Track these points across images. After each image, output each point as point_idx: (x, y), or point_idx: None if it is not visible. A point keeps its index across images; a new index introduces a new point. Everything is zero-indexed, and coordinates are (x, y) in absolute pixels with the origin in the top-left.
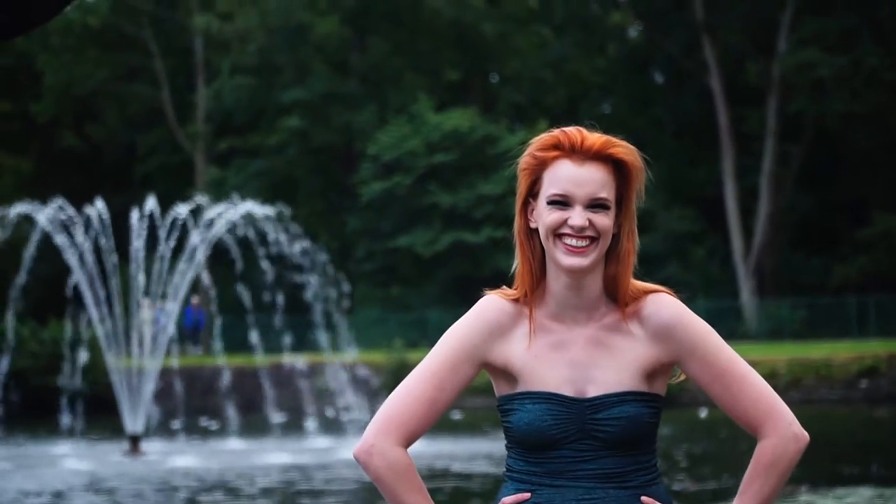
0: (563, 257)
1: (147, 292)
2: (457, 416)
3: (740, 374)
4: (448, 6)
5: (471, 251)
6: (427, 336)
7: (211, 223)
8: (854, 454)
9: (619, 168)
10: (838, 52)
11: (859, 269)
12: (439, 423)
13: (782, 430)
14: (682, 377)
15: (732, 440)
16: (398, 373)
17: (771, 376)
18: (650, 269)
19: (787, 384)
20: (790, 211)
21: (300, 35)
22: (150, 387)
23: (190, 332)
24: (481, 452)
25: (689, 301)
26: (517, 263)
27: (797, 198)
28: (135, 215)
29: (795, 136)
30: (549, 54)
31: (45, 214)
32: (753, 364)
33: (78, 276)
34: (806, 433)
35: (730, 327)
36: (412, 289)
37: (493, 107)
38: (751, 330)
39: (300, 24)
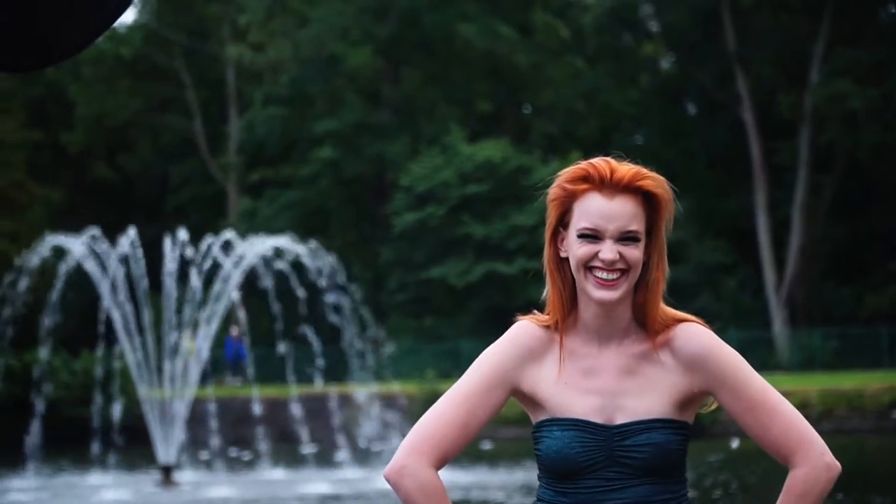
0: (593, 290)
1: (179, 324)
2: (487, 445)
3: (772, 404)
4: (481, 37)
5: (504, 282)
6: (460, 367)
7: (241, 257)
8: (886, 485)
9: (648, 199)
10: (870, 83)
11: (891, 299)
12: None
13: (814, 459)
14: (715, 406)
15: (765, 472)
16: (430, 403)
17: (803, 406)
18: (682, 299)
19: (818, 414)
20: (822, 242)
21: (333, 66)
22: (182, 417)
23: (231, 363)
24: (515, 484)
25: (720, 332)
26: (547, 291)
27: (829, 229)
28: (167, 245)
29: (827, 168)
30: (581, 85)
31: (78, 245)
32: (785, 394)
33: (109, 307)
34: (838, 463)
35: (762, 358)
36: (445, 319)
37: (525, 137)
38: (783, 360)
39: (333, 55)
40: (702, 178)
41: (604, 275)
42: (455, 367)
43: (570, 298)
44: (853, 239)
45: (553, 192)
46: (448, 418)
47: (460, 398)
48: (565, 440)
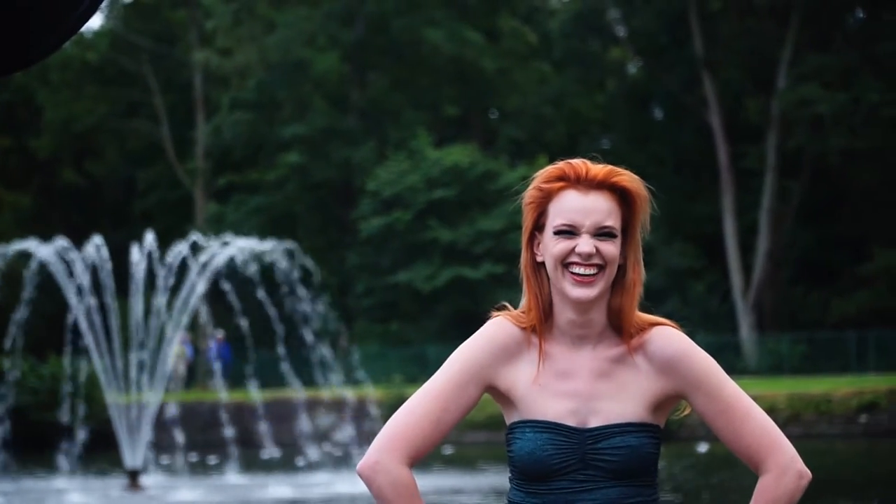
0: (570, 288)
1: (147, 329)
2: (448, 450)
3: (744, 409)
4: (448, 42)
5: (470, 287)
6: (426, 371)
7: (208, 261)
8: (854, 489)
9: (623, 197)
10: (838, 88)
11: (859, 304)
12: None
13: (784, 465)
14: (687, 412)
15: (734, 476)
16: (397, 407)
17: (770, 411)
18: (650, 304)
19: (786, 419)
20: (790, 247)
21: (300, 71)
22: (149, 422)
23: (216, 365)
24: (482, 487)
25: (688, 336)
26: (524, 298)
27: (797, 234)
28: (135, 252)
29: (795, 173)
30: (548, 90)
31: (45, 251)
32: (753, 399)
33: (77, 312)
34: (808, 471)
35: (729, 362)
36: (411, 324)
37: (492, 142)
38: (750, 365)
39: (300, 60)
40: (669, 183)
41: (581, 270)
42: (421, 371)
43: (548, 304)
44: (820, 244)
45: (528, 194)
46: (421, 414)
47: (433, 394)
48: (538, 442)
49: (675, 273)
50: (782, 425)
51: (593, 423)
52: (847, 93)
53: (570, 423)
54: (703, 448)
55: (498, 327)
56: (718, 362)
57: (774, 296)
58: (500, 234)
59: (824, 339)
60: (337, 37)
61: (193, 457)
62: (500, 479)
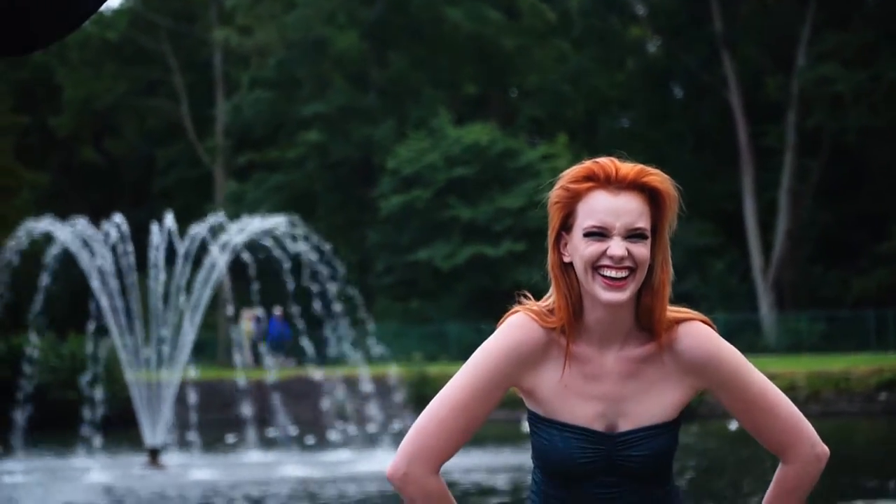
0: (601, 292)
1: (166, 308)
2: None
3: (770, 404)
4: (467, 20)
5: (490, 264)
6: (446, 350)
7: (228, 241)
8: (873, 467)
9: (653, 197)
10: (857, 66)
11: (878, 282)
12: None
13: (805, 454)
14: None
15: (754, 455)
16: (418, 386)
17: (790, 389)
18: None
19: (806, 397)
20: (809, 225)
21: (320, 49)
22: (170, 400)
23: (276, 344)
24: (502, 465)
25: (707, 315)
26: (553, 298)
27: (816, 212)
28: (155, 231)
29: (814, 151)
30: (567, 68)
31: (65, 230)
32: (772, 377)
33: (97, 291)
34: (826, 449)
35: (749, 341)
36: (431, 302)
37: (512, 121)
38: (770, 343)
39: (320, 38)
40: (688, 162)
41: (612, 273)
42: (442, 349)
43: (578, 304)
44: (840, 222)
45: (555, 194)
46: (449, 426)
47: (459, 406)
48: (567, 450)
49: (694, 252)
50: (802, 403)
51: (622, 426)
52: (866, 70)
53: (599, 427)
54: (734, 425)
55: (521, 331)
56: (737, 341)
57: (794, 274)
58: (520, 211)
59: (843, 318)
60: (357, 15)
61: (217, 435)
62: (514, 458)
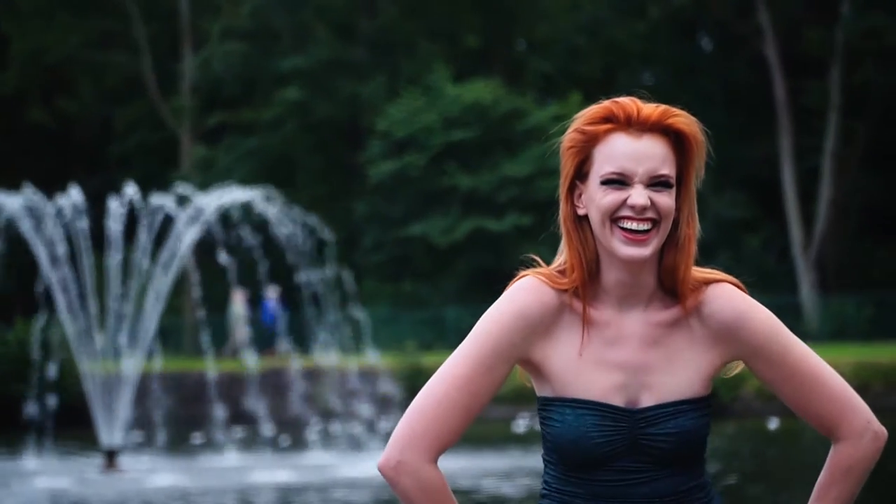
0: (620, 247)
1: (125, 290)
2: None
3: (813, 372)
4: None
5: (493, 240)
6: (444, 337)
7: (196, 214)
8: None
9: (678, 142)
10: None
11: None
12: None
13: (860, 430)
14: (737, 370)
15: (799, 458)
16: (412, 379)
17: None
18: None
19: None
20: (856, 195)
21: None
22: (128, 395)
23: (271, 328)
24: (501, 470)
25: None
26: (564, 255)
27: (863, 180)
28: (113, 204)
29: (861, 111)
30: (582, 17)
31: (11, 201)
32: None
33: (46, 271)
34: (884, 429)
35: (788, 326)
36: (427, 283)
37: (518, 77)
38: (812, 329)
39: None
40: (719, 123)
41: (633, 225)
42: (438, 337)
43: (593, 261)
44: (891, 191)
45: (569, 137)
46: (447, 405)
47: (461, 381)
48: (582, 428)
49: (726, 225)
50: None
51: (645, 401)
52: None
53: (618, 402)
54: (773, 424)
55: (530, 294)
56: None
57: (839, 251)
58: (528, 180)
59: (894, 301)
60: None
61: (177, 434)
62: (520, 461)
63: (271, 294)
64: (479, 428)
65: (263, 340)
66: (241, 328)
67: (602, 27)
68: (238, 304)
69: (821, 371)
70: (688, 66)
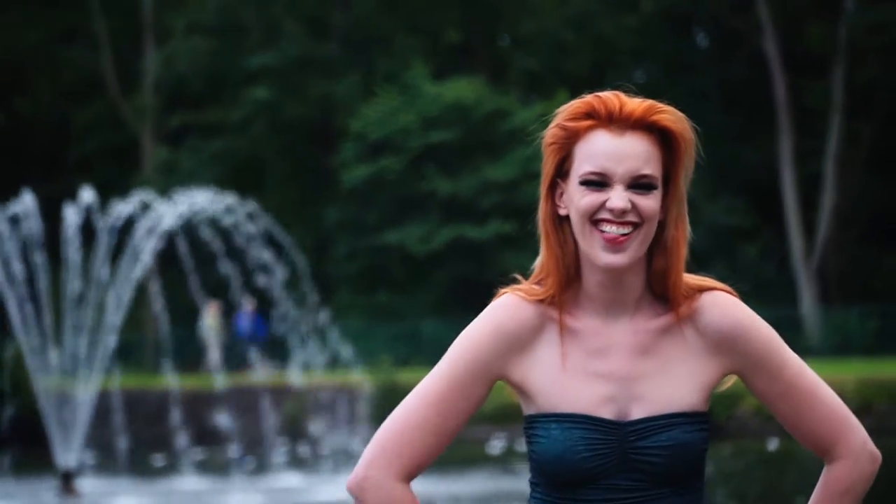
0: (599, 253)
1: (82, 300)
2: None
3: (809, 388)
4: None
5: (475, 249)
6: (421, 352)
7: (158, 222)
8: None
9: (665, 140)
10: None
11: None
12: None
13: (856, 451)
14: (728, 384)
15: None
16: (387, 396)
17: None
18: (691, 269)
19: (855, 409)
20: (860, 201)
21: None
22: (86, 413)
23: (249, 342)
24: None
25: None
26: (542, 258)
27: (868, 185)
28: (70, 210)
29: (866, 112)
30: (569, 11)
31: None
32: None
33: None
34: (879, 452)
35: (788, 340)
36: (403, 295)
37: (502, 75)
38: (813, 344)
39: None
40: (715, 124)
41: (612, 228)
42: (416, 351)
43: (573, 265)
44: None
45: (550, 133)
46: (417, 422)
47: (433, 397)
48: (568, 442)
49: (721, 233)
50: None
51: (635, 413)
52: None
53: (607, 414)
54: (773, 444)
55: (505, 311)
56: None
57: (842, 261)
58: (511, 185)
59: None
60: None
61: (139, 456)
62: (495, 484)
63: (246, 306)
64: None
65: (238, 356)
66: (214, 343)
67: (591, 21)
68: (211, 317)
69: (817, 388)
70: (682, 63)
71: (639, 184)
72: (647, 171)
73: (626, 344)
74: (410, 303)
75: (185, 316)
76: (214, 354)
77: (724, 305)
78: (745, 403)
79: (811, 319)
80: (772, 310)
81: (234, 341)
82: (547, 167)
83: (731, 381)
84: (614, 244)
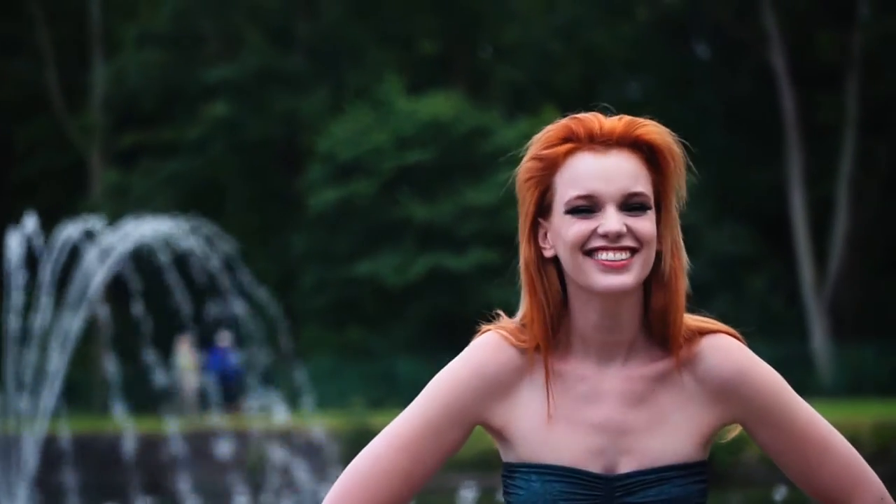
0: (597, 277)
1: (25, 337)
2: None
3: (821, 439)
4: None
5: (454, 281)
6: (396, 393)
7: (108, 250)
8: None
9: (651, 157)
10: None
11: None
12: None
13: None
14: (734, 434)
15: None
16: (357, 442)
17: (851, 442)
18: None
19: (871, 455)
20: (876, 227)
21: None
22: (31, 460)
23: (231, 380)
24: None
25: (747, 345)
26: (525, 306)
27: (885, 209)
28: (11, 237)
29: (882, 129)
30: (557, 19)
31: None
32: None
33: None
34: None
35: (798, 380)
36: (376, 331)
37: (483, 89)
38: (825, 383)
39: None
40: (718, 143)
41: (609, 255)
42: (390, 393)
43: (558, 313)
44: None
45: (524, 168)
46: (385, 466)
47: (403, 440)
48: (548, 496)
49: (725, 263)
50: (866, 461)
51: (624, 466)
52: None
53: (594, 468)
54: (780, 494)
55: (487, 352)
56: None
57: (856, 293)
58: (494, 210)
59: None
60: None
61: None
62: None
63: (223, 341)
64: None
65: (212, 395)
66: (190, 381)
67: (581, 30)
68: (185, 353)
69: (831, 438)
70: (681, 77)
71: (631, 204)
72: (638, 188)
73: (617, 392)
74: (384, 340)
75: (139, 352)
76: (190, 394)
77: (727, 350)
78: (751, 449)
79: (823, 357)
80: (780, 346)
81: (212, 378)
82: (525, 206)
83: (736, 430)
84: (614, 265)
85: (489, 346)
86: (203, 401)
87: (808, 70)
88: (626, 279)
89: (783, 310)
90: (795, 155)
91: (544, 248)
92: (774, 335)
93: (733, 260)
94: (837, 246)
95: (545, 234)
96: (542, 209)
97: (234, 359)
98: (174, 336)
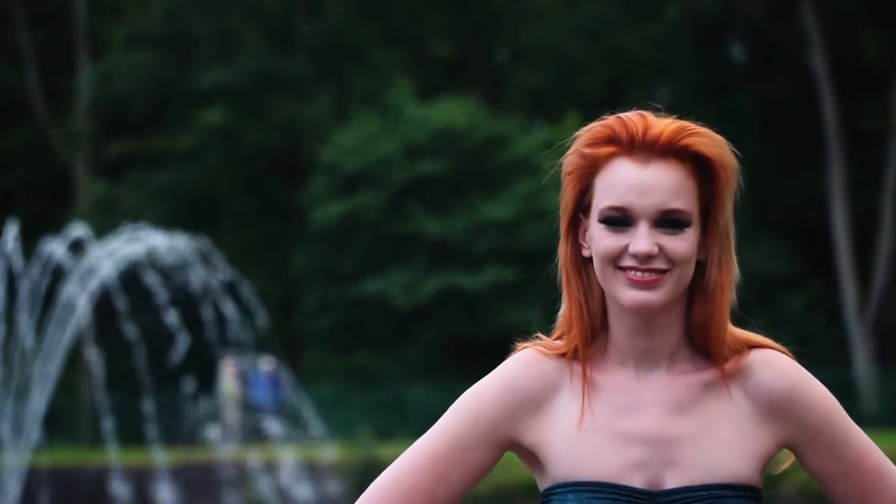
0: (624, 291)
1: (6, 358)
2: None
3: (875, 468)
4: None
5: (468, 301)
6: (406, 422)
7: (94, 267)
8: None
9: (702, 167)
10: None
11: None
12: None
13: None
14: (785, 466)
15: None
16: (365, 475)
17: None
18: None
19: None
20: None
21: None
22: (13, 494)
23: (265, 408)
24: None
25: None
26: (564, 307)
27: None
28: None
29: None
30: (580, 19)
31: None
32: None
33: None
34: None
35: None
36: (385, 355)
37: (500, 94)
38: (869, 411)
39: None
40: (753, 152)
41: (638, 274)
42: (400, 422)
43: (600, 314)
44: None
45: (568, 161)
46: (408, 485)
47: (428, 457)
48: None
49: (761, 282)
50: None
51: (671, 481)
52: None
53: (636, 483)
54: None
55: (519, 366)
56: None
57: None
58: (511, 226)
59: None
60: None
61: None
62: None
63: (264, 366)
64: None
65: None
66: (232, 411)
67: (605, 30)
68: (229, 379)
69: (886, 465)
70: (714, 81)
71: (667, 220)
72: (676, 205)
73: (659, 399)
74: (392, 365)
75: (127, 379)
76: (232, 423)
77: (778, 364)
78: (790, 482)
79: (866, 382)
80: (820, 372)
81: (252, 406)
82: (566, 200)
83: (790, 461)
84: (641, 281)
85: (522, 360)
86: (254, 430)
87: (850, 73)
88: (654, 297)
89: (823, 332)
90: (837, 165)
91: (583, 246)
92: (814, 360)
93: (770, 279)
94: (882, 263)
95: (584, 232)
96: (582, 206)
97: (277, 385)
98: (261, 356)
